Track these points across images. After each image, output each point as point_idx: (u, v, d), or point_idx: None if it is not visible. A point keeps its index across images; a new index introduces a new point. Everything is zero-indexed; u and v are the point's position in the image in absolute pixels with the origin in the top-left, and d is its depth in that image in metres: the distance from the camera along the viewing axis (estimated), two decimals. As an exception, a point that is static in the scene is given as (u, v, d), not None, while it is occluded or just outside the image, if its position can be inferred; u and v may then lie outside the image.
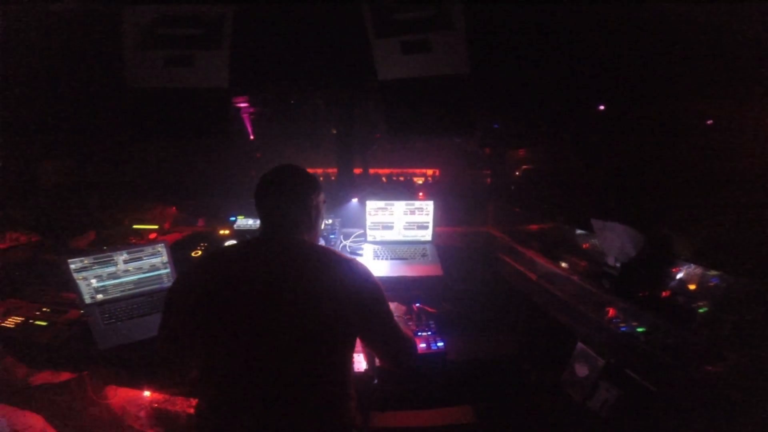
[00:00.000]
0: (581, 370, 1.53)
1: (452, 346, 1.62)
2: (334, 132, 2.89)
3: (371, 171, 3.22)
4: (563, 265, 1.87)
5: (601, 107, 2.36)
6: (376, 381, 1.49)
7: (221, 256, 1.12)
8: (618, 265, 1.55)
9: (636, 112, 2.08)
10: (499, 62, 2.07)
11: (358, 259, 2.08)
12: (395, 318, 1.21)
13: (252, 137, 3.00)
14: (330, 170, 2.95)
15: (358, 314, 1.07)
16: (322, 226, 1.41)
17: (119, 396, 2.08)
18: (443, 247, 2.20)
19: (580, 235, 2.00)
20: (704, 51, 1.66)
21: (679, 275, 1.51)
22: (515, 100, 2.34)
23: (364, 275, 1.11)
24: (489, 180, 3.08)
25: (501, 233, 2.41)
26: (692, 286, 1.47)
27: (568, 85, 2.20)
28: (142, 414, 2.11)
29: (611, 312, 1.54)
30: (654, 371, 1.33)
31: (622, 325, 1.50)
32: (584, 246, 1.94)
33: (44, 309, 1.89)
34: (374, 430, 1.97)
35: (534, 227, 2.33)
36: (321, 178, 3.59)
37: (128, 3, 1.82)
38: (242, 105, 2.82)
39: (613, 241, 1.55)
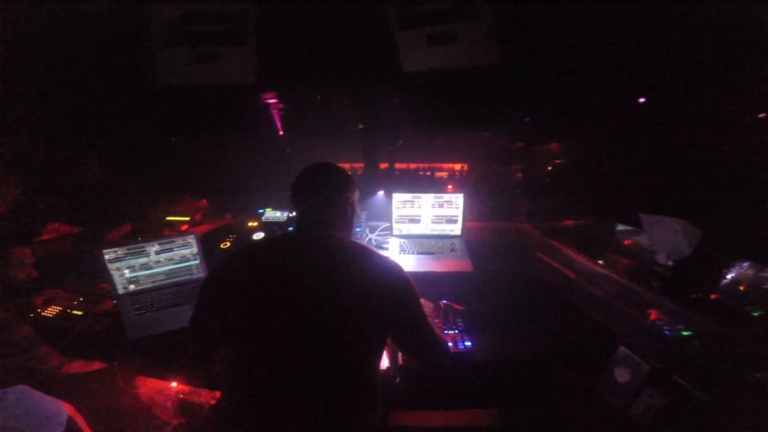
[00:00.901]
0: (622, 375, 1.44)
1: (480, 346, 1.57)
2: (361, 127, 2.90)
3: (397, 166, 3.18)
4: (602, 262, 1.78)
5: (641, 100, 2.24)
6: (398, 380, 1.46)
7: (254, 250, 1.12)
8: (670, 263, 1.46)
9: (683, 104, 1.95)
10: (530, 52, 2.00)
11: (384, 253, 2.08)
12: (429, 318, 1.19)
13: (281, 133, 3.06)
14: (357, 165, 2.95)
15: (390, 312, 1.05)
16: (357, 224, 1.41)
17: (148, 386, 2.14)
18: (473, 242, 2.13)
19: (620, 231, 1.90)
20: (754, 42, 1.56)
21: (731, 275, 1.41)
22: (548, 92, 2.26)
23: (396, 272, 1.10)
24: (519, 175, 2.98)
25: (534, 229, 2.33)
26: (744, 288, 1.37)
27: (605, 77, 2.11)
28: (168, 404, 2.17)
29: (657, 314, 1.45)
30: (704, 378, 1.24)
31: (667, 328, 1.42)
32: (626, 242, 1.84)
33: (81, 299, 1.98)
34: (393, 428, 1.95)
35: (569, 223, 2.23)
36: (349, 173, 3.60)
37: (156, 1, 1.89)
38: (271, 101, 2.88)
39: (665, 238, 1.45)
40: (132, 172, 2.82)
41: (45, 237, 2.29)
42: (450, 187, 2.53)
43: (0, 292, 1.74)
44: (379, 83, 2.25)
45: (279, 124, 3.07)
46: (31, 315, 1.85)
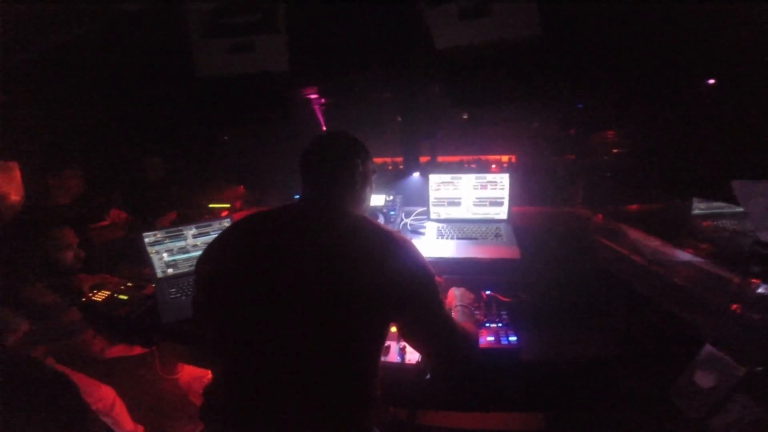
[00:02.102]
0: (705, 380, 1.20)
1: (527, 343, 1.39)
2: (400, 120, 2.85)
3: (440, 158, 3.07)
4: (680, 248, 1.52)
5: (711, 81, 2.05)
6: (428, 376, 1.31)
7: (251, 221, 1.05)
8: None
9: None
10: (578, 23, 1.84)
11: (420, 238, 1.94)
12: (452, 309, 1.09)
13: (324, 128, 3.09)
14: (398, 159, 2.88)
15: (394, 298, 0.92)
16: (372, 201, 1.28)
17: (186, 373, 2.18)
18: (521, 227, 1.93)
19: (698, 214, 1.63)
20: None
21: None
22: (602, 70, 2.05)
23: (409, 257, 0.96)
24: (572, 160, 2.73)
25: (594, 214, 2.07)
26: None
27: (669, 55, 1.91)
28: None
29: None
30: None
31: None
32: (704, 224, 1.56)
33: (128, 284, 2.07)
34: (421, 429, 1.78)
35: (634, 207, 1.96)
36: (390, 167, 3.58)
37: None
38: (312, 96, 2.93)
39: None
40: (183, 166, 3.05)
41: (104, 223, 2.49)
42: (494, 166, 2.35)
43: (50, 274, 1.85)
44: (412, 63, 2.18)
45: (321, 120, 3.11)
46: (83, 300, 1.95)
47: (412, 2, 1.83)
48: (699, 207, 1.72)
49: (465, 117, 3.05)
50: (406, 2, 1.86)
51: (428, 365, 1.30)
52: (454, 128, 3.09)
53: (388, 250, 0.94)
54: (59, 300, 1.77)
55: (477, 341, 1.16)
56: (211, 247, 1.03)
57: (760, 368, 1.10)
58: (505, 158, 3.08)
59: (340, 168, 1.07)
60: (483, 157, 3.12)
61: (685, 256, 1.43)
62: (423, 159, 2.76)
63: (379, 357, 0.99)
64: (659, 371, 1.35)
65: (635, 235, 1.66)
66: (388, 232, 0.98)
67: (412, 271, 0.95)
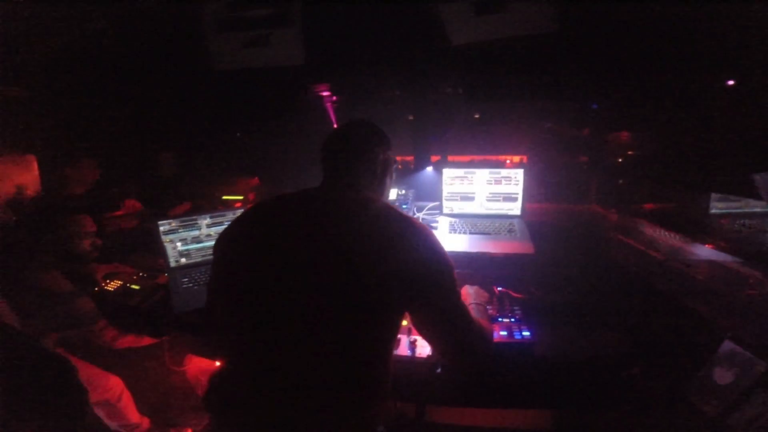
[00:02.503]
0: (724, 376, 1.18)
1: (541, 338, 1.37)
2: (411, 118, 2.85)
3: (450, 158, 3.06)
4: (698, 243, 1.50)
5: (730, 82, 1.99)
6: (439, 370, 1.29)
7: (271, 205, 1.04)
8: None
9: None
10: (596, 18, 1.83)
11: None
12: (469, 305, 1.06)
13: (335, 126, 3.11)
14: (408, 158, 2.89)
15: (413, 286, 0.90)
16: (392, 192, 1.28)
17: (194, 365, 2.18)
18: (535, 223, 1.92)
19: (716, 214, 1.61)
20: None
21: None
22: (618, 68, 2.05)
23: (428, 243, 0.95)
24: (586, 166, 2.71)
25: (609, 211, 2.07)
26: None
27: (688, 57, 1.89)
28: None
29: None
30: None
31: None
32: (722, 222, 1.55)
33: (141, 274, 2.08)
34: (430, 425, 1.75)
35: (649, 206, 1.94)
36: (400, 167, 3.59)
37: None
38: (324, 94, 2.95)
39: None
40: (197, 159, 3.11)
41: (119, 213, 2.53)
42: (508, 162, 2.34)
43: (68, 261, 1.87)
44: (425, 61, 2.19)
45: (333, 117, 3.13)
46: (96, 289, 1.97)
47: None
48: (717, 206, 1.70)
49: (476, 116, 3.06)
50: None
51: (441, 360, 1.28)
52: (465, 127, 3.09)
53: (410, 238, 0.93)
54: (74, 288, 1.79)
55: (492, 338, 1.14)
56: (230, 228, 1.04)
57: None
58: (516, 158, 3.07)
59: (361, 155, 1.08)
60: (494, 157, 3.11)
61: (704, 251, 1.41)
62: (434, 158, 2.75)
63: (392, 348, 0.98)
64: (676, 368, 1.31)
65: (652, 231, 1.64)
66: (410, 220, 0.97)
67: (433, 260, 0.93)
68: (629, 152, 2.74)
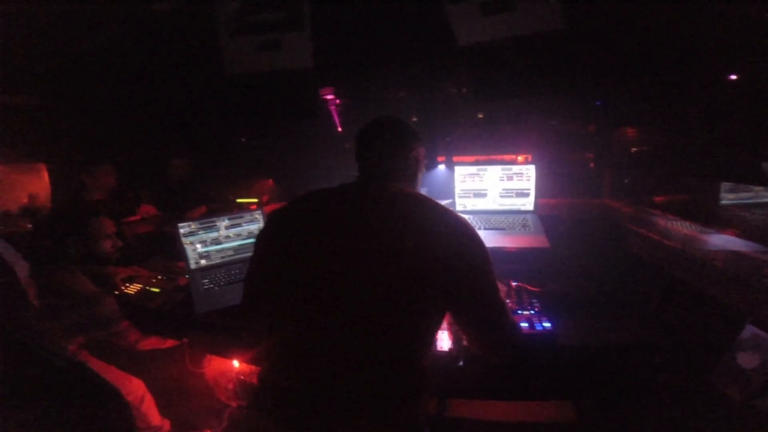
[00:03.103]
0: (749, 360, 1.19)
1: (562, 329, 1.38)
2: (415, 120, 2.89)
3: (456, 158, 3.11)
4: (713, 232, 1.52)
5: (733, 77, 2.02)
6: (461, 363, 1.30)
7: (310, 199, 1.06)
8: None
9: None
10: (601, 17, 1.88)
11: None
12: (501, 295, 1.02)
13: (340, 129, 3.14)
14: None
15: (455, 277, 0.91)
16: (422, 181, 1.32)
17: (213, 367, 2.22)
18: (548, 217, 1.95)
19: (727, 205, 1.64)
20: None
21: None
22: (623, 65, 2.09)
23: (466, 232, 0.96)
24: (592, 165, 2.74)
25: (623, 204, 2.10)
26: None
27: (691, 49, 1.93)
28: (230, 386, 2.22)
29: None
30: None
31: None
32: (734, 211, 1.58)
33: (160, 277, 2.11)
34: (451, 420, 1.77)
35: (660, 198, 1.98)
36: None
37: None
38: (329, 97, 2.99)
39: None
40: (210, 165, 3.16)
41: (135, 218, 2.57)
42: (520, 158, 2.37)
43: (90, 262, 1.90)
44: (431, 61, 2.23)
45: (337, 121, 3.16)
46: (116, 292, 1.98)
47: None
48: (727, 197, 1.73)
49: (480, 116, 3.10)
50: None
51: (475, 351, 1.26)
52: (469, 127, 3.13)
53: (451, 230, 0.95)
54: (98, 290, 1.82)
55: (522, 334, 1.17)
56: (270, 223, 1.07)
57: None
58: (521, 158, 3.10)
59: (396, 151, 1.12)
60: (499, 157, 3.14)
61: (720, 240, 1.43)
62: (439, 158, 2.76)
63: (432, 341, 0.99)
64: (698, 355, 1.32)
65: (665, 222, 1.67)
66: (450, 212, 0.99)
67: (474, 252, 0.95)
68: (633, 149, 2.80)
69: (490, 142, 3.16)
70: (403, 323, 0.90)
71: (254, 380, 2.10)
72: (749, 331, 1.21)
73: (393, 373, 0.89)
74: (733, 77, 2.10)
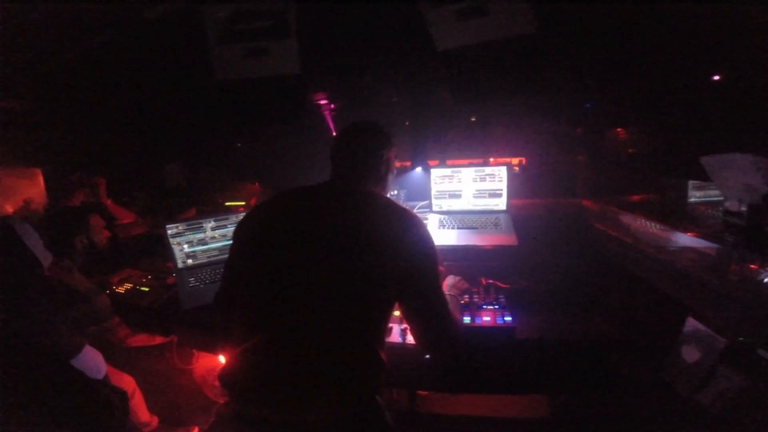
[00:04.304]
0: (691, 354, 1.28)
1: (523, 323, 1.52)
2: (407, 124, 3.05)
3: (449, 162, 3.26)
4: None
5: (716, 77, 2.13)
6: (428, 356, 1.43)
7: (286, 196, 1.21)
8: (744, 209, 1.28)
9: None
10: (571, 20, 1.99)
11: None
12: (446, 295, 1.18)
13: (334, 134, 3.32)
14: (407, 163, 3.09)
15: (400, 273, 1.05)
16: (393, 191, 1.46)
17: (201, 364, 2.36)
18: (522, 217, 2.08)
19: (691, 204, 1.77)
20: None
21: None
22: (601, 66, 2.22)
23: (422, 236, 1.11)
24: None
25: (595, 204, 2.22)
26: None
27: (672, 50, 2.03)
28: (217, 383, 2.39)
29: (735, 274, 1.31)
30: None
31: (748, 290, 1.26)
32: (701, 209, 1.70)
33: (150, 277, 2.29)
34: (427, 416, 1.89)
35: (636, 198, 2.11)
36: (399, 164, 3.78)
37: (209, 3, 2.14)
38: (323, 102, 3.17)
39: (735, 179, 1.29)
40: (201, 170, 3.38)
41: (126, 221, 2.78)
42: (492, 159, 2.52)
43: (87, 256, 2.09)
44: (417, 65, 2.39)
45: (332, 126, 3.35)
46: (107, 292, 2.15)
47: (414, 5, 1.96)
48: (695, 195, 1.84)
49: (473, 119, 3.25)
50: (409, 5, 2.03)
51: (417, 345, 1.35)
52: (462, 131, 3.27)
53: (405, 228, 1.09)
54: (93, 286, 1.99)
55: (462, 328, 1.27)
56: (247, 215, 1.21)
57: (740, 338, 1.19)
58: (515, 160, 3.24)
59: (367, 155, 1.25)
60: (492, 160, 3.29)
61: (675, 237, 1.56)
62: (432, 162, 2.87)
63: (386, 326, 1.12)
64: (654, 350, 1.41)
65: (632, 220, 1.80)
66: (408, 212, 1.14)
67: (421, 250, 1.09)
68: (630, 150, 2.92)
69: (483, 146, 3.30)
70: (357, 311, 1.03)
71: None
72: (690, 324, 1.30)
73: (348, 355, 1.02)
74: (716, 78, 2.23)
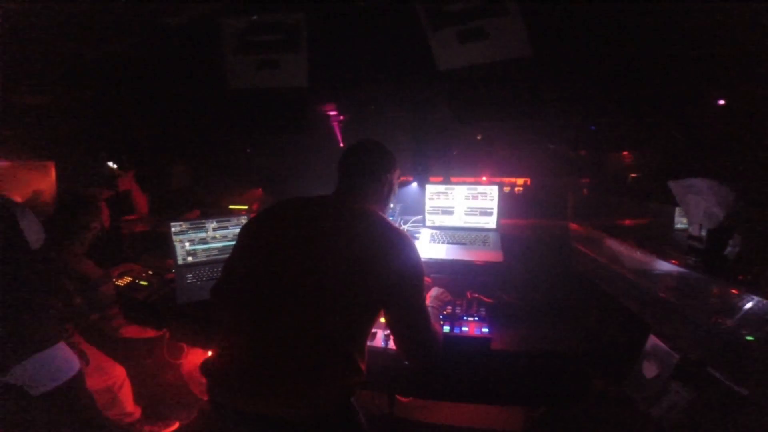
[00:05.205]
0: (650, 370, 1.43)
1: (500, 335, 1.68)
2: (410, 139, 3.28)
3: (453, 179, 3.48)
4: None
5: (721, 102, 2.31)
6: (407, 362, 1.52)
7: (287, 204, 1.37)
8: (704, 234, 1.44)
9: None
10: (565, 45, 2.19)
11: (414, 242, 2.31)
12: (428, 307, 1.33)
13: (342, 144, 3.59)
14: (410, 178, 3.31)
15: (388, 290, 1.19)
16: (392, 205, 1.65)
17: (189, 361, 2.54)
18: (509, 235, 2.26)
19: (677, 230, 1.96)
20: None
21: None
22: (598, 89, 2.41)
23: (411, 254, 1.25)
24: (585, 191, 3.07)
25: (581, 226, 2.41)
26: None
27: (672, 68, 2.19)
28: (204, 380, 2.60)
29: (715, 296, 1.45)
30: (750, 370, 1.22)
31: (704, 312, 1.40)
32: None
33: (150, 272, 2.50)
34: (405, 422, 2.01)
35: (628, 222, 2.30)
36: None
37: (225, 15, 2.39)
38: (332, 113, 3.45)
39: (697, 204, 1.44)
40: (208, 173, 3.68)
41: (131, 217, 3.06)
42: (484, 178, 2.74)
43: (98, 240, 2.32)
44: (420, 83, 2.64)
45: (339, 136, 3.63)
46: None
47: (418, 26, 2.17)
48: (681, 221, 1.97)
49: (479, 138, 3.49)
50: (414, 26, 2.20)
51: (397, 351, 1.48)
52: (467, 149, 3.51)
53: (394, 245, 1.23)
54: (103, 272, 2.21)
55: (441, 339, 1.40)
56: (252, 218, 1.39)
57: (692, 355, 1.33)
58: (520, 181, 3.44)
59: (372, 177, 1.43)
60: (497, 180, 3.49)
61: (662, 264, 1.71)
62: (434, 179, 3.12)
63: (368, 333, 1.26)
64: (622, 366, 1.55)
65: (616, 244, 1.97)
66: (398, 230, 1.28)
67: (411, 267, 1.24)
68: (632, 175, 3.11)
69: (487, 164, 3.51)
70: (338, 319, 1.16)
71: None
72: (652, 341, 1.45)
73: (324, 359, 1.14)
74: (721, 102, 2.34)
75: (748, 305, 1.39)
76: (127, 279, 2.45)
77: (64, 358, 1.79)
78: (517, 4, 1.93)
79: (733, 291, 1.45)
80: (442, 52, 2.21)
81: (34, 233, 1.73)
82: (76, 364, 1.84)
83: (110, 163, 3.14)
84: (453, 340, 1.61)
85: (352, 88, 2.92)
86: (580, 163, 3.18)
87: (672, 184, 1.57)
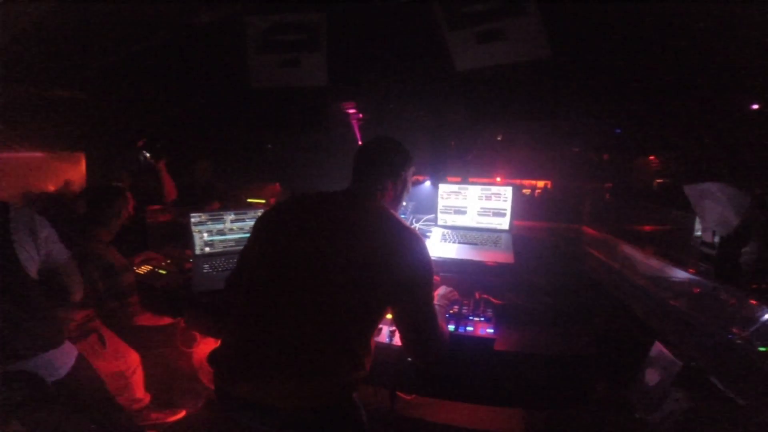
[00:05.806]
0: (653, 377, 1.46)
1: (504, 336, 1.72)
2: (428, 138, 3.37)
3: (471, 180, 3.54)
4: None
5: (755, 106, 2.32)
6: (412, 360, 1.56)
7: (304, 198, 1.43)
8: (716, 240, 1.44)
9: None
10: (584, 46, 2.24)
11: (425, 241, 2.31)
12: (435, 306, 1.37)
13: (360, 143, 3.72)
14: (420, 177, 3.36)
15: (397, 287, 1.23)
16: (404, 203, 1.66)
17: (200, 350, 2.66)
18: (521, 237, 2.31)
19: (696, 237, 1.97)
20: None
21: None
22: (628, 92, 2.44)
23: (421, 252, 1.28)
24: (607, 195, 3.08)
25: (596, 231, 2.42)
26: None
27: (710, 78, 2.22)
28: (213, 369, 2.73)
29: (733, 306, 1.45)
30: (752, 380, 1.24)
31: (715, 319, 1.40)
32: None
33: (168, 261, 2.67)
34: (406, 420, 2.08)
35: (648, 228, 2.31)
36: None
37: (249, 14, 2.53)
38: (351, 111, 3.58)
39: (712, 209, 1.44)
40: (230, 168, 3.91)
41: (154, 207, 3.25)
42: (498, 179, 2.80)
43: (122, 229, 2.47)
44: (437, 82, 2.73)
45: (358, 134, 3.76)
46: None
47: (438, 26, 2.26)
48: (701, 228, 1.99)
49: (499, 138, 3.55)
50: (433, 26, 2.29)
51: (403, 350, 1.49)
52: (486, 150, 3.57)
53: (405, 244, 1.27)
54: (126, 260, 2.37)
55: (447, 338, 1.44)
56: (268, 210, 1.46)
57: (695, 363, 1.36)
58: (540, 183, 3.47)
59: (386, 173, 1.46)
60: (517, 182, 3.52)
61: (677, 272, 1.71)
62: (452, 179, 3.19)
63: (374, 329, 1.29)
64: (626, 372, 1.59)
65: (628, 248, 1.99)
66: (408, 228, 1.32)
67: (421, 265, 1.27)
68: (658, 180, 3.09)
69: (507, 166, 3.56)
70: (344, 315, 1.20)
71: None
72: (656, 348, 1.48)
73: (327, 353, 1.18)
74: (755, 107, 2.33)
75: (766, 317, 1.38)
76: (147, 267, 2.62)
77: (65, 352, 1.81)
78: (536, 4, 1.98)
79: (752, 302, 1.44)
80: (460, 53, 2.28)
81: (53, 243, 1.77)
82: (74, 349, 1.85)
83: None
84: (457, 339, 1.64)
85: (371, 87, 3.02)
86: (603, 167, 3.18)
87: (687, 189, 1.56)
